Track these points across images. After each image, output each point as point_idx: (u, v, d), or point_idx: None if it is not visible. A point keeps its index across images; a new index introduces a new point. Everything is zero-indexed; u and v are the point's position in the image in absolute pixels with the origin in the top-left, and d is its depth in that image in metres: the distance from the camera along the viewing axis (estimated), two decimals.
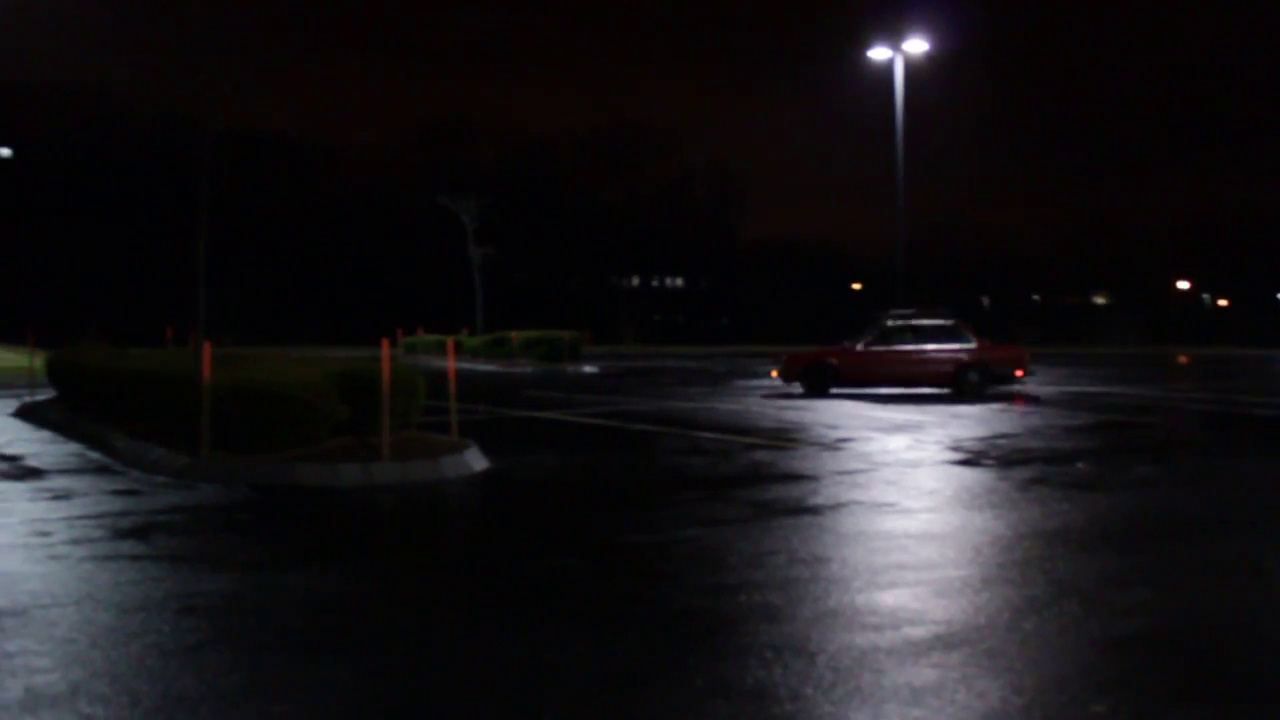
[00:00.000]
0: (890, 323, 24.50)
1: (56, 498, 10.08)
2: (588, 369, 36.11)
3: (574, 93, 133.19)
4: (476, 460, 12.22)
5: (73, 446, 13.97)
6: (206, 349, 11.97)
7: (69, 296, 65.89)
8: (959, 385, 23.46)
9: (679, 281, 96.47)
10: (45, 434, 15.47)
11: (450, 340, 20.12)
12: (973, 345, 23.80)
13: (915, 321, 24.41)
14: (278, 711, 4.70)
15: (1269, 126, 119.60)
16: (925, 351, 23.89)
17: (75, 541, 8.07)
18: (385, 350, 11.97)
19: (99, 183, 74.21)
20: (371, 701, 4.89)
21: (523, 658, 5.46)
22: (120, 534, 8.36)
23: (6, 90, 59.93)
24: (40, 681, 5.00)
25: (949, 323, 24.30)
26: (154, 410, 13.82)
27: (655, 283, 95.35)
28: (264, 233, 75.39)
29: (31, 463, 12.47)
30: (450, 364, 14.50)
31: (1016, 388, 24.77)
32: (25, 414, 18.12)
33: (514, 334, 40.71)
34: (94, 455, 13.09)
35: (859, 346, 24.18)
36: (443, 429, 13.60)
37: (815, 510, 9.67)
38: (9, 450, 13.58)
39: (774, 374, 25.10)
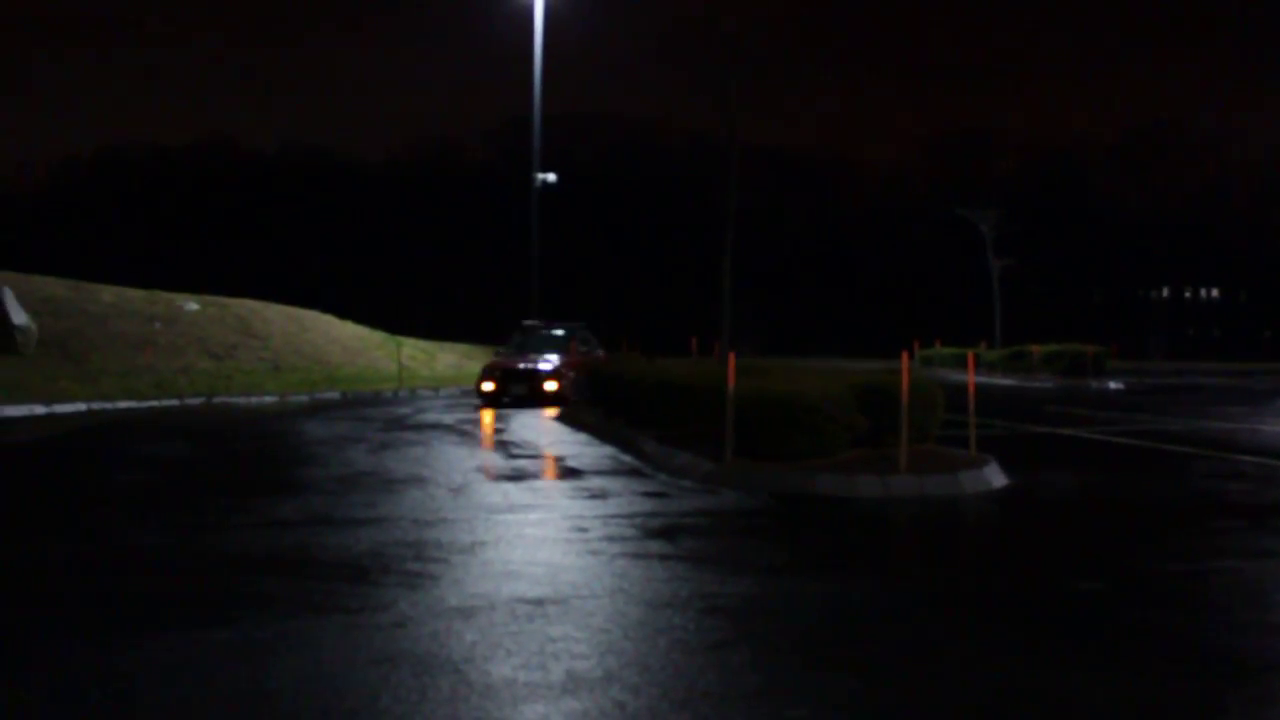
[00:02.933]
0: None
1: (592, 496, 10.78)
2: (1113, 385, 34.31)
3: (1098, 99, 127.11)
4: (995, 476, 11.90)
5: (607, 449, 14.91)
6: (731, 359, 12.41)
7: (608, 310, 70.61)
8: None
9: (1214, 293, 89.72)
10: (583, 437, 16.62)
11: (970, 353, 19.76)
12: None
13: None
14: (793, 716, 4.75)
15: None
16: None
17: (609, 538, 8.59)
18: (905, 363, 11.92)
19: (631, 204, 79.20)
20: (880, 716, 4.84)
21: (1038, 687, 5.22)
22: (649, 533, 8.81)
23: (553, 121, 65.17)
24: (579, 667, 5.34)
25: None
26: (681, 417, 14.51)
27: (1187, 294, 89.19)
28: (783, 247, 77.53)
29: (571, 463, 13.43)
30: (970, 377, 14.20)
31: None
32: (565, 418, 19.61)
33: (1034, 347, 39.41)
34: (626, 458, 13.89)
35: None
36: (960, 443, 13.36)
37: None
38: (552, 451, 14.70)
39: None
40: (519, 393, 24.19)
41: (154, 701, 4.90)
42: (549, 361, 24.98)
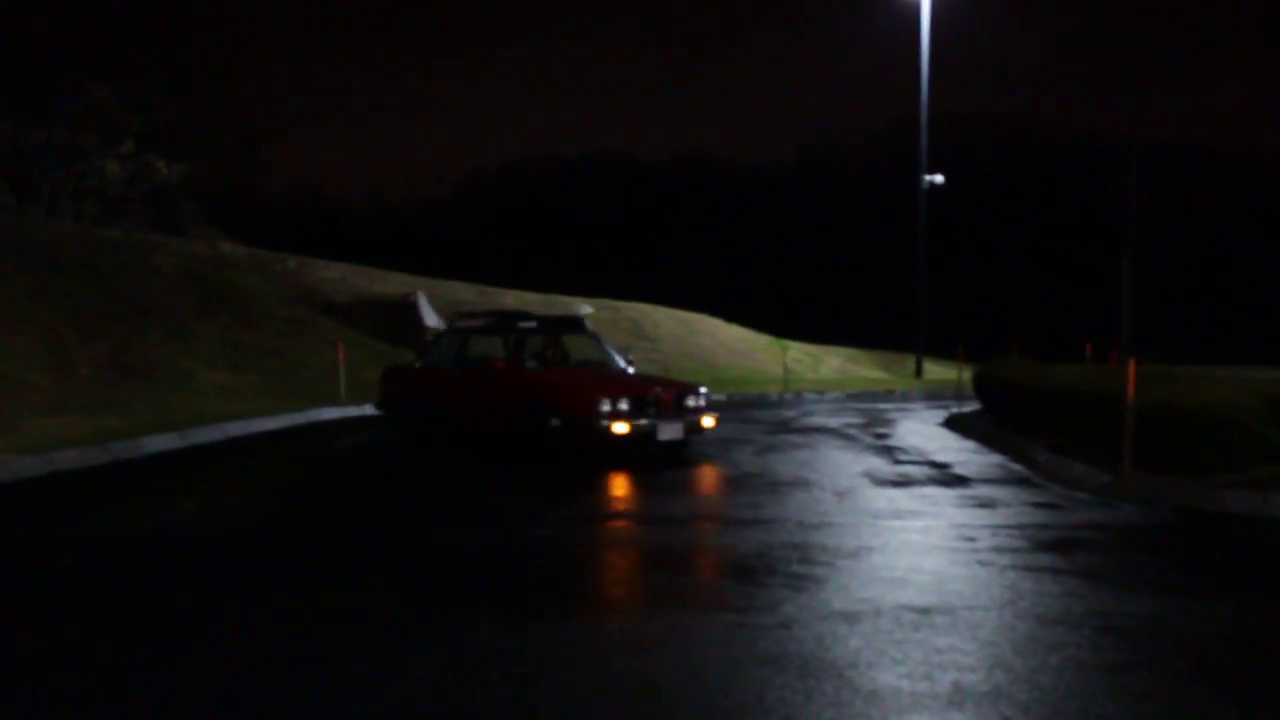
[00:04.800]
0: None
1: (980, 505, 10.55)
2: None
3: None
4: None
5: (995, 457, 14.54)
6: (1131, 366, 11.85)
7: (994, 313, 68.77)
8: None
9: None
10: (970, 444, 16.27)
11: None
12: None
13: None
14: None
15: None
16: None
17: (998, 549, 8.39)
18: None
19: (1022, 204, 76.79)
20: None
21: None
22: (1040, 546, 8.55)
23: (941, 120, 64.02)
24: (966, 679, 5.27)
25: None
26: (1074, 426, 13.97)
27: None
28: (1192, 248, 73.05)
29: (958, 470, 13.18)
30: None
31: None
32: (952, 424, 19.24)
33: None
34: (1015, 467, 13.51)
35: None
36: None
37: None
38: (938, 458, 14.47)
39: None
40: None
41: (548, 685, 5.21)
42: None
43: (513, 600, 6.78)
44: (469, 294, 35.74)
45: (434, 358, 16.43)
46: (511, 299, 36.48)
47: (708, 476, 12.52)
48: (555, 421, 13.44)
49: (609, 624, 6.26)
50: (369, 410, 19.63)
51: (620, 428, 13.11)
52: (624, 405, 13.25)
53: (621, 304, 40.35)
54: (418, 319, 29.90)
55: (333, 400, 20.87)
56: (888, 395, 29.71)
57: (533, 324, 15.68)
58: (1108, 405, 12.68)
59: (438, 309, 31.34)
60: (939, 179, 37.39)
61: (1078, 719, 4.83)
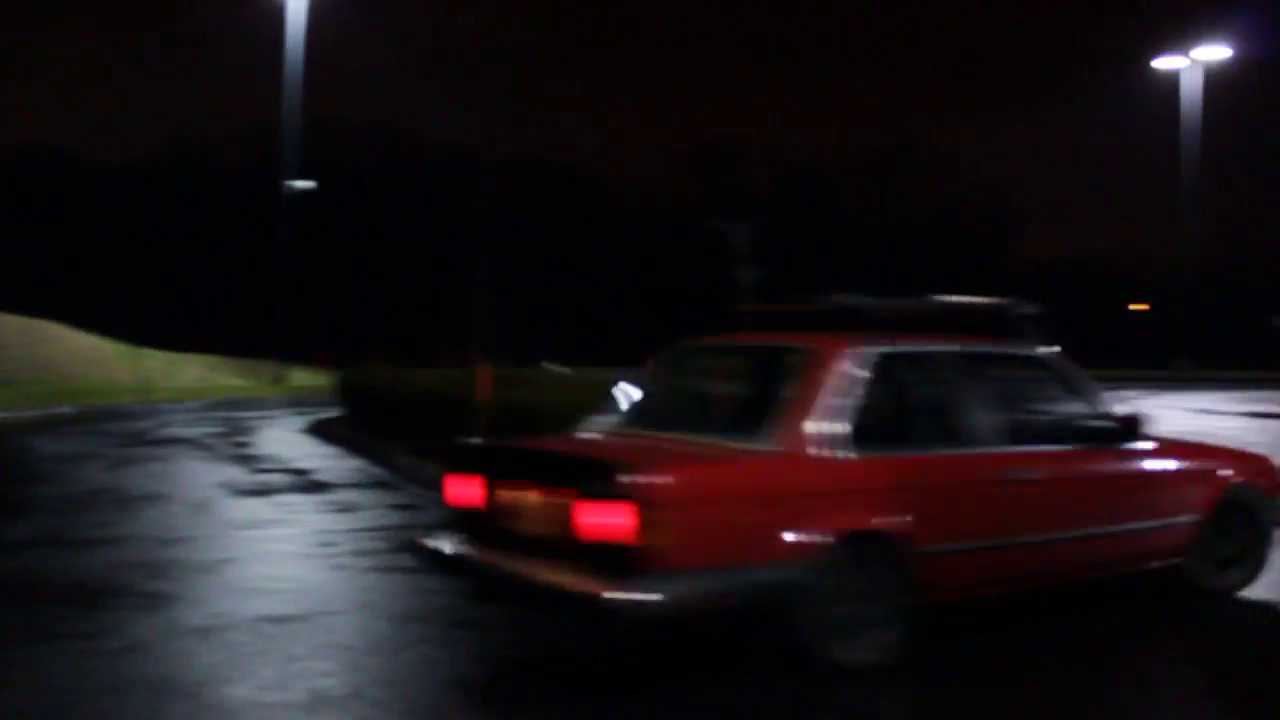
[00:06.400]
0: None
1: (341, 510, 10.63)
2: None
3: (846, 119, 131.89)
4: None
5: (357, 462, 14.70)
6: (485, 370, 12.40)
7: (363, 320, 69.46)
8: None
9: None
10: (333, 450, 16.34)
11: None
12: None
13: None
14: None
15: None
16: None
17: (357, 553, 8.48)
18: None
19: (393, 212, 78.16)
20: None
21: None
22: (400, 547, 8.73)
23: (315, 125, 63.71)
24: (324, 685, 5.26)
25: None
26: (432, 428, 14.40)
27: None
28: (547, 260, 77.67)
29: (319, 476, 13.19)
30: None
31: None
32: (315, 431, 19.21)
33: None
34: (376, 470, 13.73)
35: None
36: None
37: None
38: (300, 465, 14.40)
39: None
40: None
41: None
42: None
43: None
44: None
45: None
46: None
47: (53, 496, 11.63)
48: None
49: None
50: None
51: None
52: None
53: None
54: None
55: None
56: (250, 403, 29.09)
57: None
58: (463, 408, 13.19)
59: None
60: (307, 184, 37.21)
61: (433, 712, 5.00)
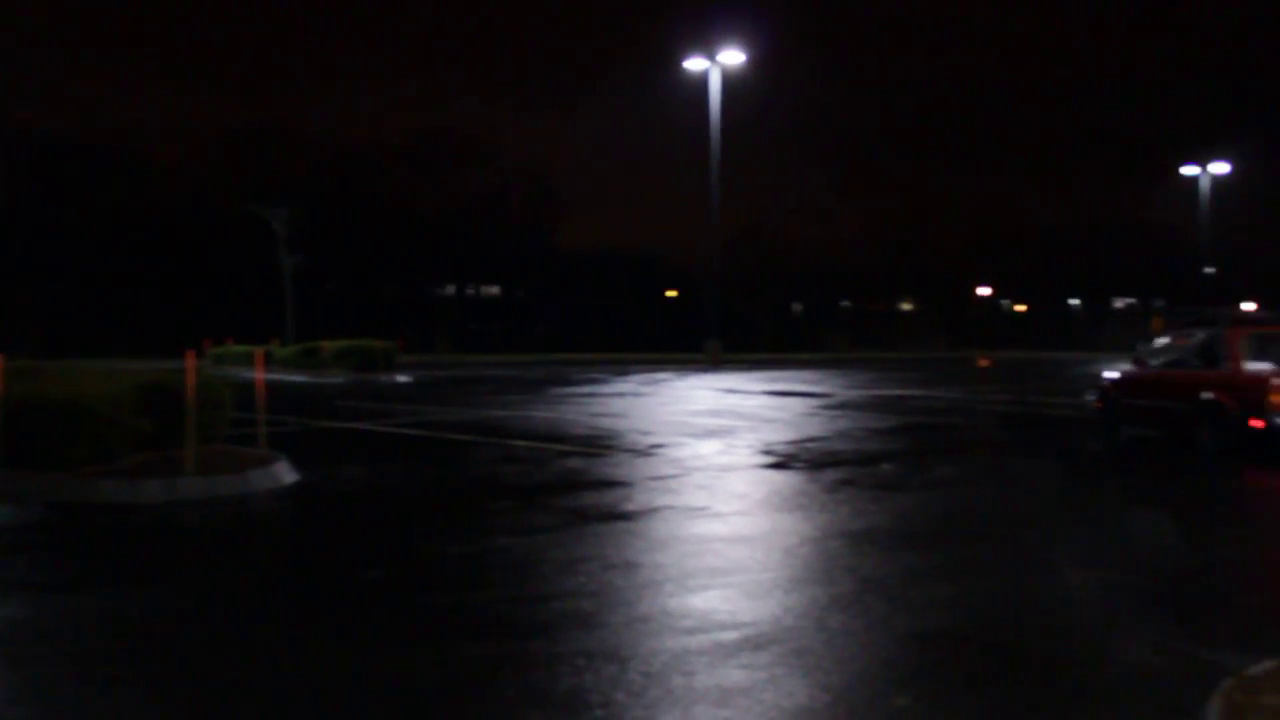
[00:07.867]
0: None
1: None
2: (401, 379, 35.59)
3: (389, 105, 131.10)
4: (286, 473, 11.95)
5: None
6: (0, 361, 11.43)
7: None
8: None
9: (495, 290, 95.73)
10: None
11: (259, 351, 19.50)
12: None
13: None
14: None
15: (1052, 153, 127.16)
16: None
17: None
18: (190, 362, 11.60)
19: None
20: None
21: (339, 673, 5.38)
22: None
23: None
24: None
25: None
26: None
27: (471, 291, 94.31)
28: (63, 243, 72.42)
29: None
30: (259, 375, 14.15)
31: None
32: None
33: (325, 344, 39.82)
34: None
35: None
36: (251, 442, 13.29)
37: (626, 516, 9.74)
38: None
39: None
40: None
41: None
42: None
43: None
44: None
45: None
46: None
47: None
48: None
49: None
50: None
51: None
52: None
53: None
54: None
55: None
56: None
57: None
58: None
59: None
60: None
61: None
